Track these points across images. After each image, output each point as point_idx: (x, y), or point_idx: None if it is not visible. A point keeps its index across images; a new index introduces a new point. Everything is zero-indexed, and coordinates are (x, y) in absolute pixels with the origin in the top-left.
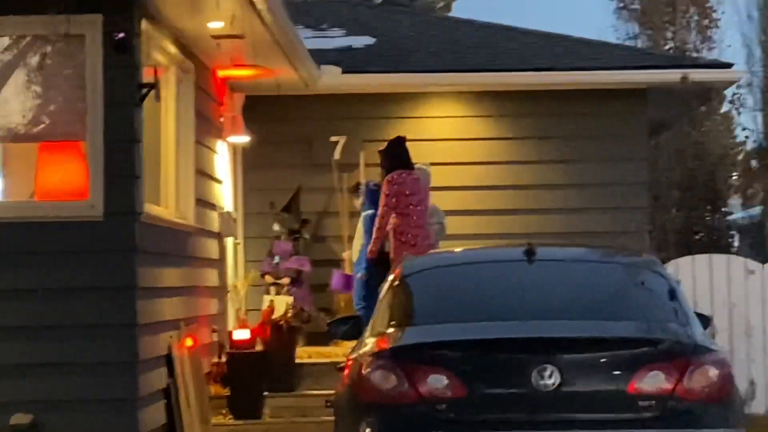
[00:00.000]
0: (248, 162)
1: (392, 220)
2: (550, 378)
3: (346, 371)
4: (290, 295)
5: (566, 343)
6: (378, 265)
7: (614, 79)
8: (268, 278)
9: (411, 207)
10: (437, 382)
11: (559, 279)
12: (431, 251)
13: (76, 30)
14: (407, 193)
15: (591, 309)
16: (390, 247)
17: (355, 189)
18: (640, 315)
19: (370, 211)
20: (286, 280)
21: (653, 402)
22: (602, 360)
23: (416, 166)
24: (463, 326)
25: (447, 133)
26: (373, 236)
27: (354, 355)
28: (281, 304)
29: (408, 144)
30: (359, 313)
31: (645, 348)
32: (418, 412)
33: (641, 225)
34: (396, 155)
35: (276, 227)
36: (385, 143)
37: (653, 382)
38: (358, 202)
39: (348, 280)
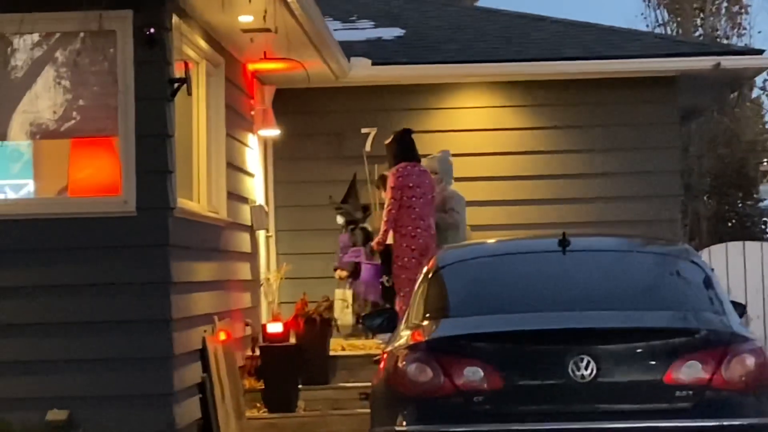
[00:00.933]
0: (279, 155)
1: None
2: (587, 369)
3: (382, 364)
4: (351, 288)
5: (602, 334)
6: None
7: (645, 67)
8: (338, 273)
9: (414, 199)
10: (473, 374)
11: (594, 269)
12: (456, 244)
13: (107, 26)
14: (410, 185)
15: (626, 299)
16: (391, 239)
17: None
18: (676, 304)
19: None
20: (343, 274)
21: (690, 392)
22: (638, 350)
23: (434, 155)
24: (498, 318)
25: (478, 123)
26: (381, 228)
27: (389, 348)
28: (340, 297)
29: (439, 135)
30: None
31: (681, 338)
32: (455, 404)
33: (674, 213)
34: (401, 147)
35: (340, 220)
36: (391, 136)
37: (690, 371)
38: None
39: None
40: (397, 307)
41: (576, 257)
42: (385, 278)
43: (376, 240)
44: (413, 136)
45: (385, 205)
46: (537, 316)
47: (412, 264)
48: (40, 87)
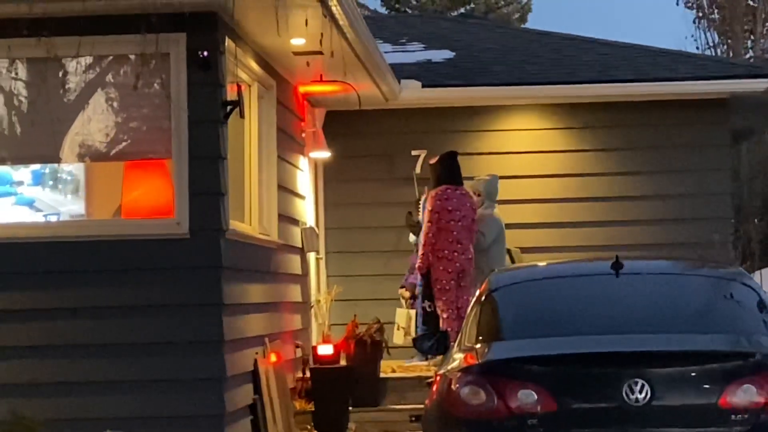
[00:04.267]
0: (329, 176)
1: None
2: (641, 392)
3: (435, 387)
4: (413, 308)
5: (657, 357)
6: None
7: (697, 90)
8: (401, 292)
9: (452, 223)
10: (527, 397)
11: (648, 292)
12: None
13: (160, 48)
14: (450, 209)
15: (681, 322)
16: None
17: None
18: (731, 328)
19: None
20: (406, 294)
21: (745, 416)
22: (693, 374)
23: (482, 177)
24: (551, 341)
25: (527, 145)
26: (420, 252)
27: (442, 371)
28: (402, 317)
29: (489, 157)
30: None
31: (736, 361)
32: (508, 427)
33: (724, 236)
34: (445, 170)
35: (412, 239)
36: (437, 156)
37: (745, 395)
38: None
39: None
40: (442, 329)
41: (629, 280)
42: (426, 303)
43: (417, 264)
44: (459, 158)
45: (423, 229)
46: (591, 339)
47: (451, 286)
48: (93, 109)
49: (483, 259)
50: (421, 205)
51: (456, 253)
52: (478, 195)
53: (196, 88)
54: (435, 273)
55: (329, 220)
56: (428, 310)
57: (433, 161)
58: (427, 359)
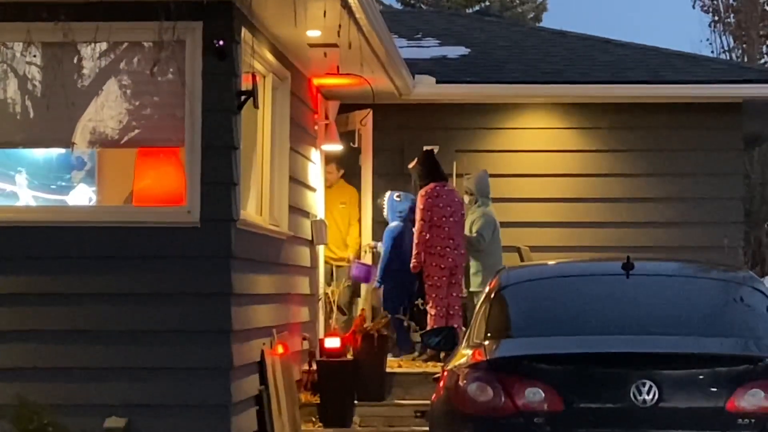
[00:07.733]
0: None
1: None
2: (649, 393)
3: (442, 382)
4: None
5: (665, 359)
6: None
7: (711, 93)
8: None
9: (444, 219)
10: (534, 395)
11: (658, 293)
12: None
13: (176, 36)
14: (440, 205)
15: (690, 324)
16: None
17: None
18: (739, 331)
19: (392, 224)
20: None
21: (752, 420)
22: (701, 376)
23: (469, 175)
24: (560, 339)
25: (540, 144)
26: (414, 250)
27: (449, 366)
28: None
29: (501, 155)
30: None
31: (745, 365)
32: (515, 424)
33: (735, 240)
34: (428, 168)
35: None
36: (414, 158)
37: (753, 400)
38: (385, 214)
39: (368, 270)
40: (428, 327)
41: (639, 281)
42: (419, 301)
43: (411, 263)
44: (471, 156)
45: (416, 228)
46: (600, 339)
47: (442, 282)
48: (107, 95)
49: (482, 259)
50: (386, 206)
51: (448, 249)
52: (471, 194)
53: (210, 77)
54: (427, 269)
55: None
56: (421, 307)
57: (412, 164)
58: (401, 356)
